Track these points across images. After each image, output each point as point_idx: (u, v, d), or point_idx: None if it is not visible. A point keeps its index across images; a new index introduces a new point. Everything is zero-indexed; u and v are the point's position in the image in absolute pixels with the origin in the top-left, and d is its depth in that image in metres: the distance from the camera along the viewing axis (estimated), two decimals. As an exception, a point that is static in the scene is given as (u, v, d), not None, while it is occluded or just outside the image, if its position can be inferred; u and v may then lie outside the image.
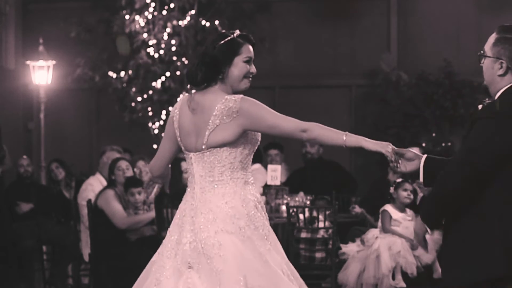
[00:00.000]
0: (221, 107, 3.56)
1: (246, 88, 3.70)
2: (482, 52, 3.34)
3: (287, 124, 3.58)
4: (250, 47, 3.69)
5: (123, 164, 6.99)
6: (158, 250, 3.74)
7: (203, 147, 3.60)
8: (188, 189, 3.73)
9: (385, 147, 3.46)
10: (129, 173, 6.98)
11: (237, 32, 3.69)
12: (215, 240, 3.50)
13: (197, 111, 3.62)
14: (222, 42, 3.63)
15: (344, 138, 3.53)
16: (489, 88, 3.35)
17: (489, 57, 3.30)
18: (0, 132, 8.61)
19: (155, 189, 4.16)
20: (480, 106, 3.32)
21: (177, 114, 3.71)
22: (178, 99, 3.80)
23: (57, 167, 8.46)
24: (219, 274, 3.45)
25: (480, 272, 3.12)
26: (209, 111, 3.59)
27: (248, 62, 3.67)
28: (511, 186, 3.13)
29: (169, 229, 3.78)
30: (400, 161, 3.49)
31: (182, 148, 3.72)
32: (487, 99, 3.33)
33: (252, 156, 3.71)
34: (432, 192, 3.28)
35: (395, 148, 3.49)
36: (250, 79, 3.71)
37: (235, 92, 3.66)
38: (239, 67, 3.65)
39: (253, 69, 3.69)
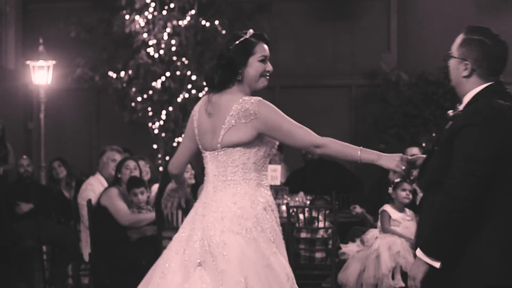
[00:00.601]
0: (238, 108, 3.57)
1: (264, 87, 3.70)
2: (449, 52, 3.31)
3: (303, 137, 3.58)
4: (265, 46, 3.69)
5: (131, 164, 7.03)
6: (168, 246, 3.74)
7: (218, 146, 3.62)
8: (203, 187, 3.73)
9: (399, 166, 3.46)
10: (136, 173, 7.01)
11: (251, 31, 3.69)
12: (220, 239, 3.51)
13: (214, 112, 3.64)
14: (236, 43, 3.63)
15: (359, 153, 3.52)
16: (456, 89, 3.32)
17: (455, 57, 3.27)
18: (4, 132, 8.64)
19: (175, 203, 4.15)
20: (451, 112, 3.30)
21: (197, 113, 3.74)
22: (198, 102, 3.80)
23: (59, 166, 8.47)
24: (221, 274, 3.46)
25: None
26: (225, 111, 3.60)
27: (263, 61, 3.67)
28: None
29: (181, 225, 3.79)
30: (412, 171, 3.48)
31: (200, 146, 3.74)
32: (458, 104, 3.31)
33: (268, 159, 3.70)
34: (438, 218, 3.07)
35: (408, 157, 3.48)
36: (267, 77, 3.71)
37: (253, 91, 3.67)
38: (254, 67, 3.65)
39: (269, 67, 3.69)
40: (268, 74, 3.69)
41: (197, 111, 3.75)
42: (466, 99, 3.24)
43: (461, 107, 3.27)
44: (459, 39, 3.27)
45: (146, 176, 7.47)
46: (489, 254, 3.06)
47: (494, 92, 3.19)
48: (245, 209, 3.58)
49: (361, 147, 3.55)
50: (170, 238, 6.31)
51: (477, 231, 3.06)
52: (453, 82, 3.31)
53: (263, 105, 3.58)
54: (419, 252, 3.09)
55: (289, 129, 3.58)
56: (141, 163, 7.48)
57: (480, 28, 3.30)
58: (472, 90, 3.23)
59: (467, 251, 3.07)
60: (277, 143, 3.71)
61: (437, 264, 3.05)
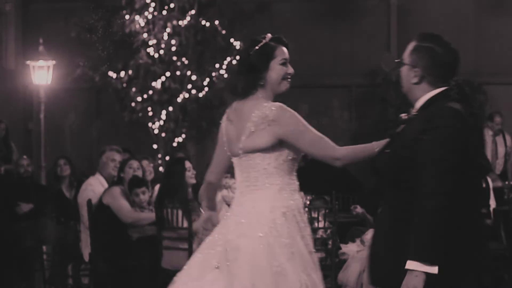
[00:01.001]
0: (258, 114, 3.57)
1: (286, 90, 3.70)
2: (400, 59, 3.35)
3: (323, 148, 3.57)
4: (284, 49, 3.69)
5: (135, 163, 7.06)
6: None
7: (240, 152, 3.62)
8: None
9: None
10: (139, 173, 7.02)
11: (269, 35, 3.68)
12: (236, 244, 3.52)
13: (237, 118, 3.65)
14: (256, 48, 3.62)
15: (376, 150, 3.51)
16: (407, 95, 3.35)
17: (406, 64, 3.30)
18: (7, 131, 8.66)
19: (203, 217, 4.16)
20: (405, 115, 3.33)
21: (225, 120, 3.74)
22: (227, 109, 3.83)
23: (65, 164, 8.47)
24: (232, 277, 3.47)
25: None
26: (247, 117, 3.60)
27: (284, 64, 3.67)
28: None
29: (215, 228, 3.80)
30: None
31: (229, 153, 3.74)
32: (411, 108, 3.33)
33: (295, 163, 3.66)
34: (423, 222, 3.04)
35: None
36: (289, 80, 3.70)
37: (276, 94, 3.66)
38: (276, 71, 3.64)
39: (290, 70, 3.69)
40: (289, 76, 3.69)
41: (225, 119, 3.76)
42: (418, 104, 3.29)
43: (413, 112, 3.31)
44: (411, 46, 3.31)
45: (150, 176, 7.48)
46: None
47: (446, 97, 3.23)
48: (263, 214, 3.57)
49: (374, 142, 3.56)
50: (170, 238, 6.38)
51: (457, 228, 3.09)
52: (405, 89, 3.35)
53: (284, 112, 3.57)
54: (411, 264, 3.02)
55: (309, 138, 3.57)
56: (145, 163, 7.51)
57: (432, 35, 3.35)
58: (422, 96, 3.27)
59: (457, 247, 3.09)
60: (298, 148, 3.68)
61: (435, 269, 3.01)
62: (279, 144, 3.58)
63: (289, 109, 3.61)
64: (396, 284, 3.06)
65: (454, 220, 3.06)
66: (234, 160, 3.71)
